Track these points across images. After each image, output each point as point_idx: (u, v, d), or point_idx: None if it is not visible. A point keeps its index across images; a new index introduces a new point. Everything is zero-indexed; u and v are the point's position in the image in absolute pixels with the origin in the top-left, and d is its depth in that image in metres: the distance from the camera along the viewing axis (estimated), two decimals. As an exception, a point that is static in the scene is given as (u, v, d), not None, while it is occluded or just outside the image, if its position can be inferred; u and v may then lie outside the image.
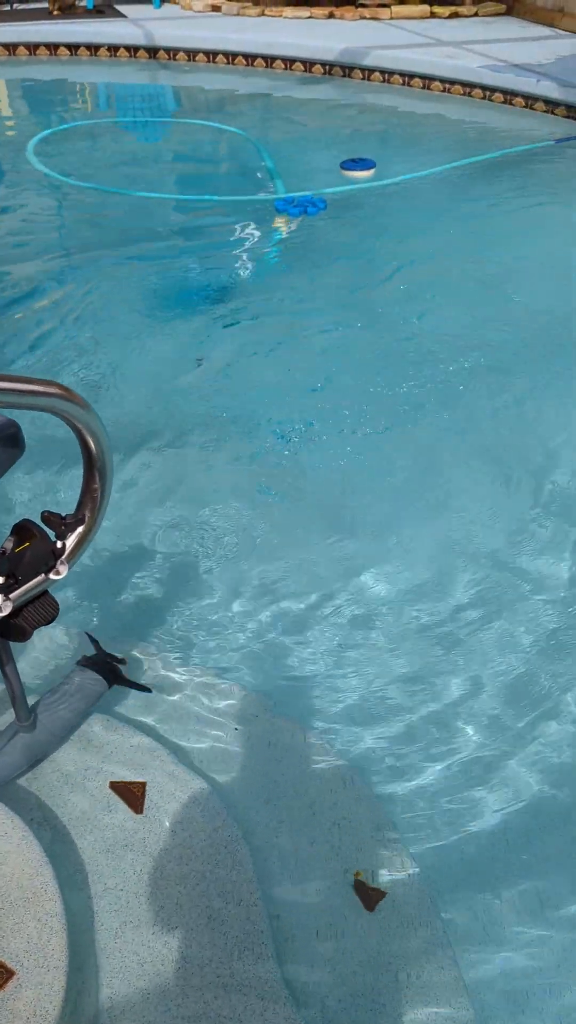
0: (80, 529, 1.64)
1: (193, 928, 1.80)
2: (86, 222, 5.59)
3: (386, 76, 8.76)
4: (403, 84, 8.69)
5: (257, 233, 5.38)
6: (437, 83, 8.52)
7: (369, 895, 1.99)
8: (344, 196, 6.00)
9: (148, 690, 2.36)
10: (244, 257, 5.11)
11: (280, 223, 5.48)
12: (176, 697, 2.38)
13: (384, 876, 2.03)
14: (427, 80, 8.56)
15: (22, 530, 1.53)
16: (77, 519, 1.59)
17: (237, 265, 5.01)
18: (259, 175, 6.38)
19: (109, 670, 2.30)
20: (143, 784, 2.04)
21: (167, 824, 1.97)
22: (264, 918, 1.85)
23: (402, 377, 3.83)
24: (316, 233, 5.45)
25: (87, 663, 2.29)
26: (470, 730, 2.39)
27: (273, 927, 1.88)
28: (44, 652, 2.47)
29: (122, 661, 2.38)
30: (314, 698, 2.47)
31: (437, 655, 2.61)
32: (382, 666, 2.57)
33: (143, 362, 4.01)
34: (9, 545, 1.49)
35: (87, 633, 2.47)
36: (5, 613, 1.52)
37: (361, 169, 6.33)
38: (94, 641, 2.41)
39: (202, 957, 1.76)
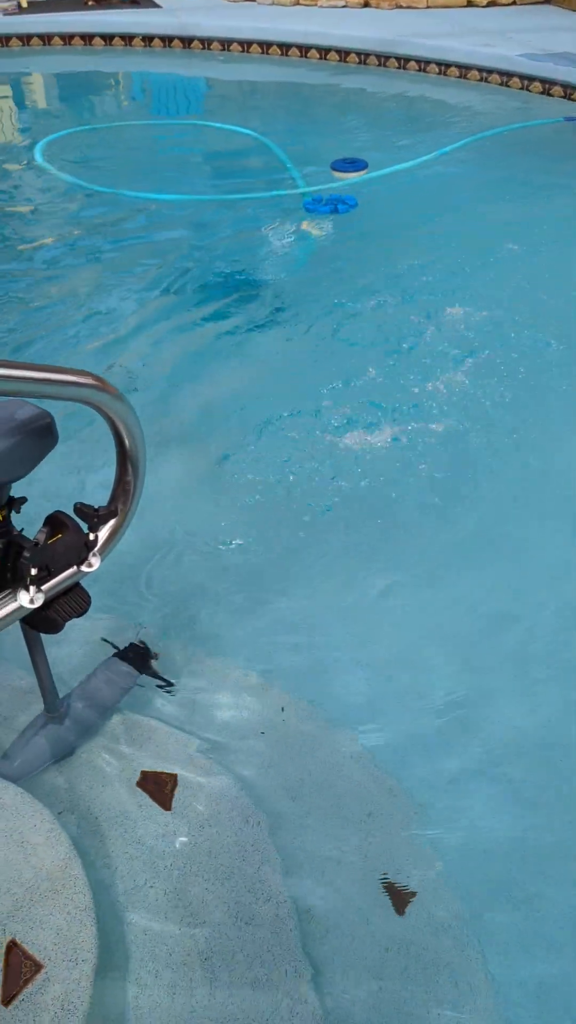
0: (112, 521, 1.63)
1: (221, 924, 1.78)
2: (108, 221, 5.54)
3: (422, 65, 8.65)
4: (439, 73, 8.58)
5: (286, 233, 5.31)
6: (474, 72, 8.40)
7: (399, 896, 1.97)
8: (376, 191, 5.92)
9: (171, 684, 2.34)
10: (272, 259, 5.02)
11: (309, 224, 5.40)
12: (205, 690, 2.37)
13: (413, 874, 2.00)
14: (463, 69, 8.45)
15: (55, 522, 1.52)
16: (110, 511, 1.58)
17: (265, 266, 4.93)
18: (284, 171, 6.31)
19: (139, 662, 2.30)
20: (173, 777, 2.03)
21: (195, 819, 1.96)
22: (293, 915, 1.84)
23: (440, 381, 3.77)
24: (347, 233, 5.36)
25: (118, 655, 2.28)
26: (503, 729, 2.35)
27: (301, 924, 1.86)
28: (75, 643, 2.46)
29: (154, 656, 2.37)
30: (343, 693, 2.45)
31: (469, 652, 2.57)
32: (417, 664, 2.53)
33: (173, 359, 4.00)
34: (42, 537, 1.48)
35: (135, 629, 2.47)
36: (37, 605, 1.51)
37: (352, 170, 6.22)
38: (141, 645, 2.40)
39: (230, 953, 1.75)
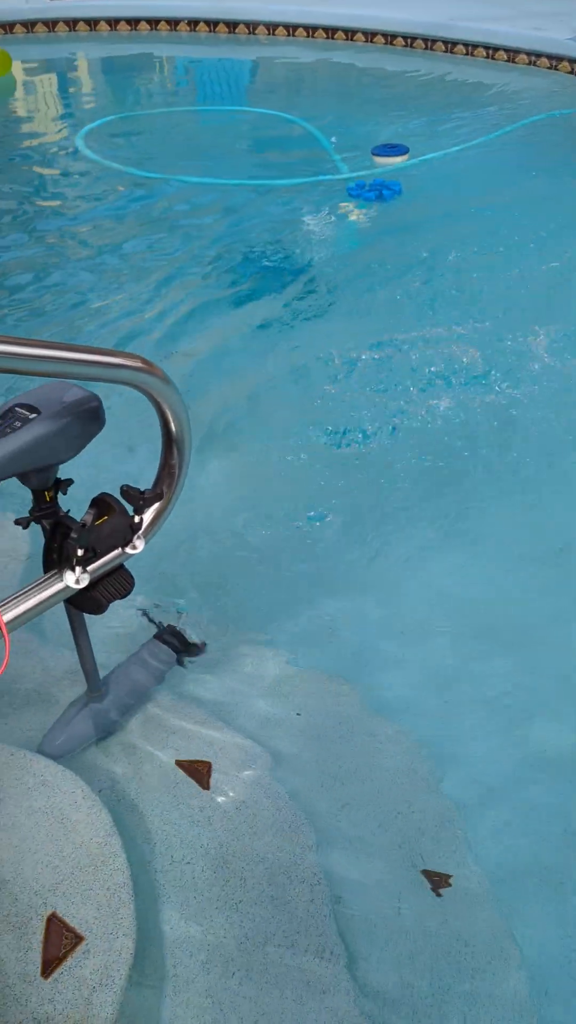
0: (157, 504, 1.65)
1: (256, 905, 1.80)
2: (151, 207, 5.55)
3: (469, 49, 8.53)
4: (487, 57, 8.46)
5: (329, 219, 5.26)
6: (523, 55, 8.27)
7: (435, 879, 1.97)
8: (420, 177, 5.85)
9: (196, 654, 2.35)
10: (315, 245, 4.98)
11: (353, 211, 5.34)
12: (244, 675, 2.38)
13: (449, 862, 2.00)
14: (512, 52, 8.31)
15: (101, 504, 1.54)
16: (155, 494, 1.59)
17: (309, 252, 4.88)
18: (328, 158, 6.26)
19: (179, 646, 2.32)
20: (208, 764, 2.05)
21: (232, 800, 1.98)
22: (327, 899, 1.85)
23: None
24: (391, 219, 5.30)
25: (158, 637, 2.31)
26: (544, 719, 2.34)
27: (336, 908, 1.88)
28: (117, 624, 2.49)
29: (200, 645, 2.38)
30: (383, 680, 2.45)
31: (515, 645, 2.56)
32: (459, 655, 2.52)
33: (214, 345, 4.01)
34: (89, 518, 1.50)
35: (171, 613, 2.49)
36: (83, 585, 1.53)
37: (394, 155, 6.14)
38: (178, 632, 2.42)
39: (265, 934, 1.76)
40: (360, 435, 3.37)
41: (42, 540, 1.56)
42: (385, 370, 3.73)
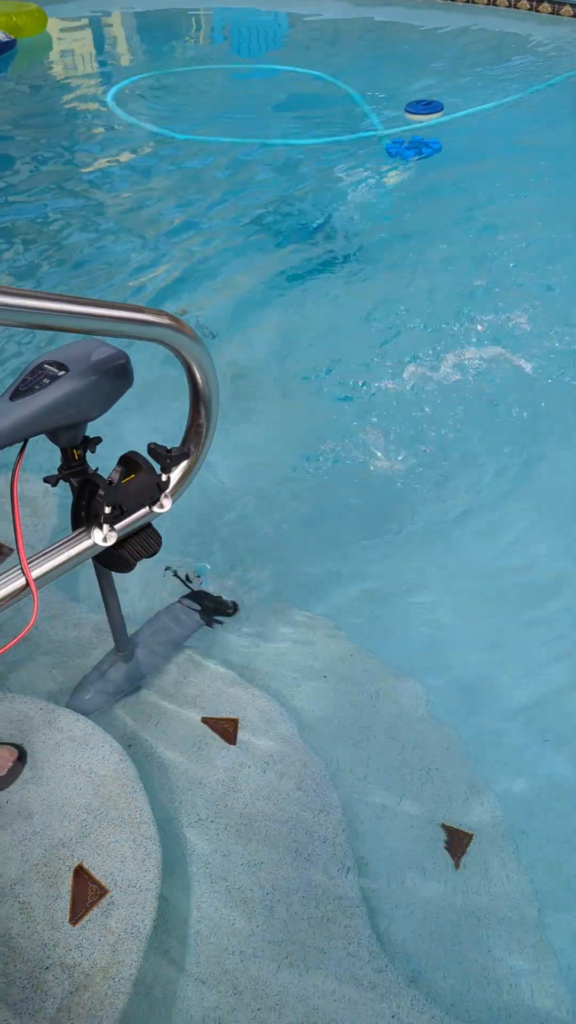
0: (185, 463, 1.64)
1: (280, 862, 1.82)
2: (185, 168, 5.47)
3: (512, 1, 8.27)
4: (530, 9, 8.19)
5: (367, 177, 5.13)
6: (567, 7, 7.99)
7: (457, 837, 1.98)
8: (460, 133, 5.69)
9: (226, 616, 2.35)
10: (352, 204, 4.87)
11: (392, 170, 5.22)
12: (271, 636, 2.39)
13: (471, 825, 2.01)
14: (556, 5, 8.04)
15: (128, 462, 1.54)
16: (183, 452, 1.58)
17: (345, 211, 4.78)
18: (364, 115, 6.11)
19: (206, 607, 2.33)
20: (235, 721, 2.06)
21: (257, 761, 1.99)
22: (350, 856, 1.86)
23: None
24: (431, 177, 5.15)
25: (186, 597, 2.32)
26: (563, 683, 2.32)
27: (359, 866, 1.89)
28: (146, 583, 2.50)
29: (231, 606, 2.39)
30: (408, 644, 2.44)
31: (538, 609, 2.53)
32: (483, 620, 2.51)
33: (245, 304, 3.97)
34: (116, 476, 1.49)
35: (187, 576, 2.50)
36: (110, 543, 1.53)
37: (428, 112, 5.97)
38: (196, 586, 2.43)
39: (288, 889, 1.78)
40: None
41: (70, 498, 1.56)
42: (407, 328, 3.68)
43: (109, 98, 6.42)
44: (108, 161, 5.51)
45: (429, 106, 6.00)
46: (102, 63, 7.64)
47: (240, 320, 3.85)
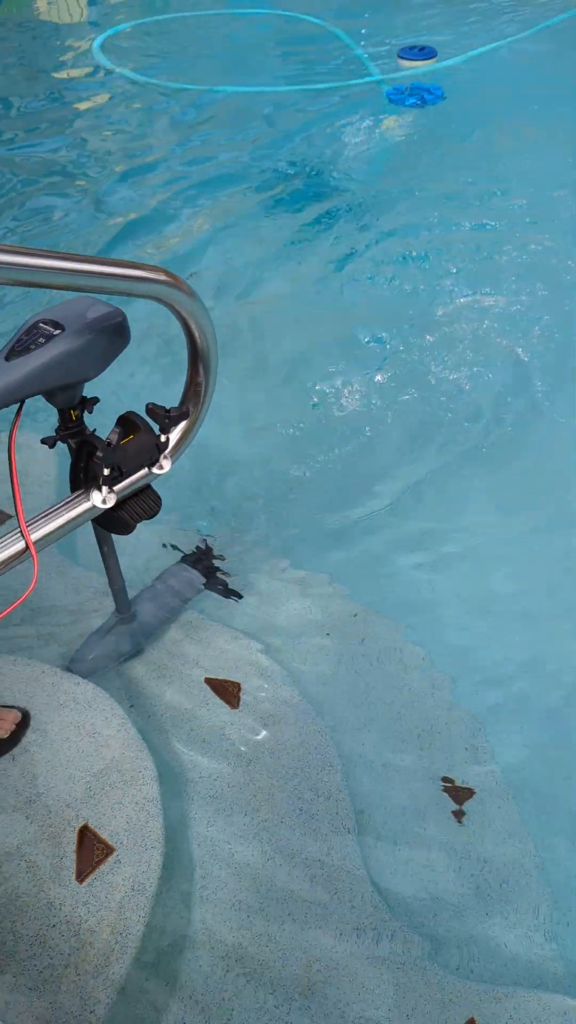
0: (184, 423, 1.62)
1: (284, 820, 1.84)
2: (174, 119, 5.33)
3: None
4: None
5: (367, 127, 4.98)
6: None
7: (457, 792, 2.00)
8: (463, 77, 5.51)
9: (239, 596, 2.36)
10: (353, 155, 4.72)
11: (392, 118, 5.07)
12: (271, 596, 2.39)
13: (471, 780, 2.03)
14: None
15: (126, 422, 1.51)
16: (181, 412, 1.56)
17: (348, 162, 4.64)
18: (360, 62, 5.94)
19: (206, 570, 2.32)
20: (238, 684, 2.07)
21: (259, 719, 2.00)
22: (351, 814, 1.88)
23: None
24: (435, 125, 4.98)
25: (186, 560, 2.31)
26: (566, 640, 2.33)
27: (360, 822, 1.91)
28: (145, 546, 2.49)
29: (220, 558, 2.39)
30: (408, 603, 2.44)
31: (541, 574, 2.53)
32: (484, 577, 2.50)
33: (243, 261, 3.89)
34: (115, 437, 1.47)
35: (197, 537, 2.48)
36: (109, 505, 1.52)
37: (421, 59, 5.79)
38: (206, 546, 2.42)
39: (292, 847, 1.80)
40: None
41: (67, 460, 1.54)
42: (417, 285, 3.62)
43: (96, 47, 6.25)
44: (96, 113, 5.38)
45: (423, 52, 5.84)
46: (91, 7, 7.43)
47: (242, 275, 3.77)
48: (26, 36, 6.75)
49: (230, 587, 2.37)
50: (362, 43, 6.20)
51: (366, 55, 6.00)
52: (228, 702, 2.03)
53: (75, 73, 5.95)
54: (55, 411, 1.48)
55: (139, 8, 7.43)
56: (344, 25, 6.53)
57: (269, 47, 6.53)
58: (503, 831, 1.94)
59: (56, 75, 5.93)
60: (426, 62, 5.78)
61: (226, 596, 2.34)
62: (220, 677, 2.09)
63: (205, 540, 2.47)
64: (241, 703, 2.04)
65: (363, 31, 6.41)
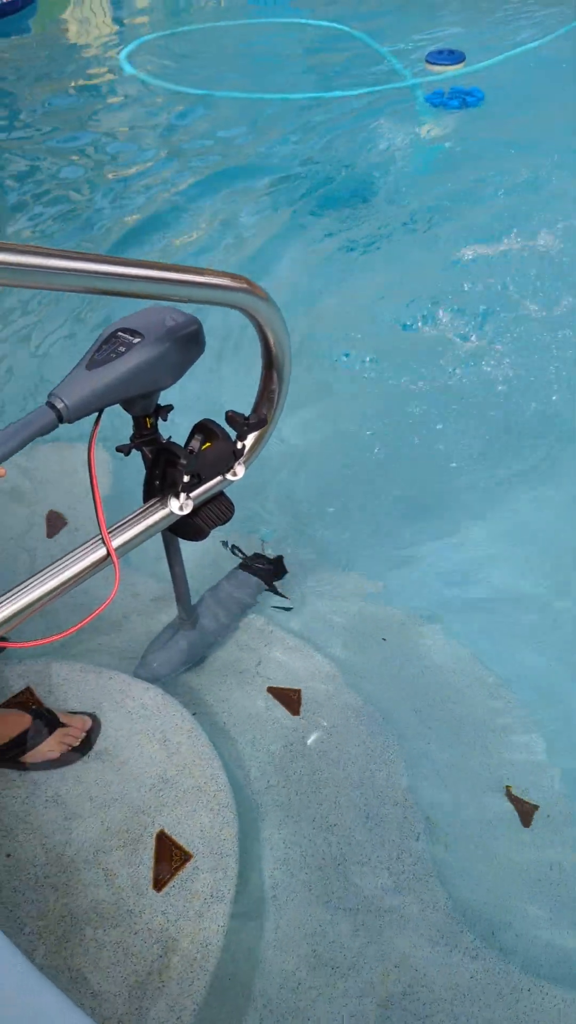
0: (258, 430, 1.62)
1: (351, 828, 1.83)
2: (205, 126, 5.31)
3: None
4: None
5: (406, 132, 4.93)
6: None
7: (523, 808, 1.98)
8: (500, 80, 5.49)
9: (289, 607, 2.35)
10: (393, 162, 4.66)
11: (433, 122, 5.05)
12: (329, 604, 2.38)
13: (535, 791, 2.01)
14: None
15: (205, 430, 1.52)
16: (259, 419, 1.56)
17: (387, 169, 4.59)
18: (386, 65, 5.94)
19: (266, 574, 2.32)
20: (299, 691, 2.06)
21: (323, 728, 2.00)
22: (421, 821, 1.87)
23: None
24: (476, 129, 4.94)
25: (245, 566, 2.31)
26: None
27: (427, 830, 1.90)
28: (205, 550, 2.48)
29: (279, 560, 2.38)
30: (466, 612, 2.43)
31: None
32: (543, 589, 2.48)
33: (279, 271, 3.89)
34: (196, 444, 1.48)
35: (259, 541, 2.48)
36: (186, 512, 1.52)
37: (449, 63, 5.79)
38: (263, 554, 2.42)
39: (361, 855, 1.79)
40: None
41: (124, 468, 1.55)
42: (459, 295, 3.60)
43: (122, 56, 6.30)
44: (123, 120, 5.39)
45: (452, 55, 5.84)
46: (117, 20, 7.48)
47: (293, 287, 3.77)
48: (56, 48, 6.81)
49: (287, 593, 2.36)
50: (390, 48, 6.21)
51: (398, 62, 6.01)
52: (291, 709, 2.03)
53: (103, 78, 5.99)
54: (89, 420, 1.46)
55: (164, 18, 7.48)
56: (363, 27, 6.53)
57: (296, 55, 6.55)
58: (570, 838, 1.92)
59: (83, 81, 5.98)
60: (455, 66, 5.78)
61: (284, 602, 2.34)
62: (281, 685, 2.08)
63: (266, 546, 2.47)
64: (304, 709, 2.03)
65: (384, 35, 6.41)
